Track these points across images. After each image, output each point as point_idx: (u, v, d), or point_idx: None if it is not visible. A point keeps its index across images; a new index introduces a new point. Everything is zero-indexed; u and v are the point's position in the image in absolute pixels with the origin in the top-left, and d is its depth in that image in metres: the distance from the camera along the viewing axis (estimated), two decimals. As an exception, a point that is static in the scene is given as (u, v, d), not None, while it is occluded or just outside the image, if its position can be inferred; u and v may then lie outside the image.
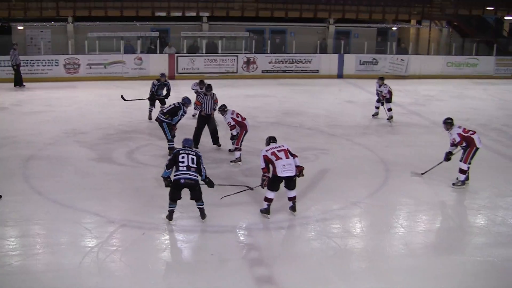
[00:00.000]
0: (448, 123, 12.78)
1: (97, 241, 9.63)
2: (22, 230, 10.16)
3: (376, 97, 19.35)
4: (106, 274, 8.69)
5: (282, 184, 10.57)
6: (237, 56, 28.44)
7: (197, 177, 10.21)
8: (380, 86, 18.97)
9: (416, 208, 11.69)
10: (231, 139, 14.35)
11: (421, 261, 9.37)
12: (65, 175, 12.98)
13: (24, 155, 14.34)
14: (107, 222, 10.36)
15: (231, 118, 13.95)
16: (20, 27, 30.51)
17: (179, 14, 31.04)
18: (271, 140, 11.09)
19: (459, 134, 12.46)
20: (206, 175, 10.49)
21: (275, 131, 16.39)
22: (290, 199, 10.78)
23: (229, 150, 14.69)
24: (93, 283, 8.37)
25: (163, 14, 30.98)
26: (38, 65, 26.98)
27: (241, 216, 10.80)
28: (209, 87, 15.85)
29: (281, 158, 10.44)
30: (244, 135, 14.04)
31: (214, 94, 15.81)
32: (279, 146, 10.76)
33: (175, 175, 10.18)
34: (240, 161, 13.88)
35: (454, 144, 12.61)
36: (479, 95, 25.43)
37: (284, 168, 10.40)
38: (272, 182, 10.57)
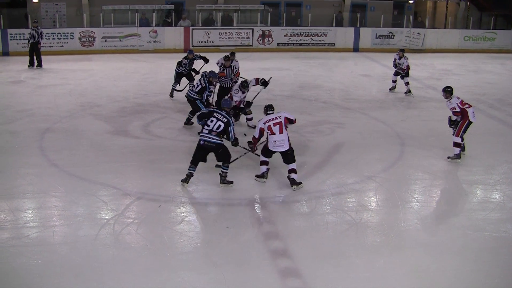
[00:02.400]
0: (448, 91, 12.71)
1: (113, 214, 9.69)
2: (39, 202, 10.23)
3: (394, 70, 19.25)
4: (122, 246, 8.74)
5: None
6: (252, 29, 28.36)
7: (218, 140, 10.58)
8: (400, 58, 18.86)
9: (431, 183, 11.67)
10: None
11: (435, 236, 9.37)
12: (81, 148, 13.03)
13: (40, 128, 14.41)
14: (123, 194, 10.41)
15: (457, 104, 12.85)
16: (35, 0, 30.50)
17: (195, -14, 30.95)
18: (269, 109, 11.14)
19: (457, 104, 12.47)
20: (234, 138, 10.84)
21: (290, 104, 16.51)
22: (289, 171, 10.87)
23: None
24: (109, 255, 8.43)
25: (178, -14, 30.90)
26: (53, 38, 27.08)
27: (257, 189, 10.81)
28: (227, 58, 16.26)
29: (274, 134, 10.68)
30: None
31: (234, 67, 16.21)
32: (276, 118, 10.85)
33: (199, 136, 10.80)
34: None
35: (455, 113, 12.57)
36: (496, 69, 25.24)
37: (275, 144, 10.70)
38: (266, 151, 10.95)
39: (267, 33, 28.37)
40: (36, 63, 23.41)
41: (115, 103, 17.13)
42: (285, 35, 28.57)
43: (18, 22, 28.63)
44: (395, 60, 19.13)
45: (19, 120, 15.14)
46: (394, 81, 19.38)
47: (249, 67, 22.71)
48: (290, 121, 10.98)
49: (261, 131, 10.86)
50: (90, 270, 7.95)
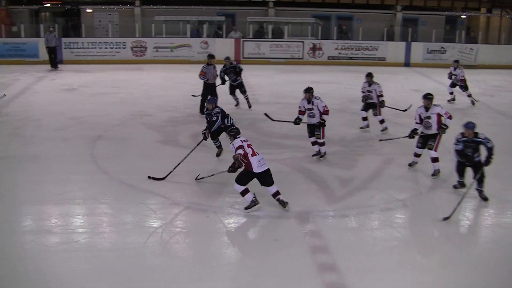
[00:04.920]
0: (429, 98, 12.25)
1: (162, 222, 9.74)
2: (89, 209, 10.34)
3: (450, 82, 19.12)
4: (170, 255, 8.78)
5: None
6: (303, 42, 28.34)
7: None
8: (455, 69, 18.72)
9: (484, 201, 11.45)
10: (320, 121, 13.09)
11: (486, 254, 9.19)
12: (131, 156, 13.15)
13: (91, 136, 14.60)
14: (171, 203, 10.46)
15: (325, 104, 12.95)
16: (89, 10, 31.11)
17: (246, -2, 31.14)
18: (238, 133, 10.60)
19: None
20: None
21: (340, 118, 16.44)
22: (274, 195, 10.28)
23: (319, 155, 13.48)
24: (157, 263, 8.47)
25: (229, -2, 31.12)
26: (106, 48, 27.53)
27: (305, 202, 10.72)
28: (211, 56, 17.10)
29: (255, 154, 10.12)
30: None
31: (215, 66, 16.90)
32: (247, 140, 10.38)
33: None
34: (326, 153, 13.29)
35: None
36: (552, 87, 24.73)
37: (260, 164, 10.08)
38: (245, 177, 10.18)
39: (317, 46, 28.32)
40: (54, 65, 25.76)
41: (165, 112, 17.26)
42: (335, 49, 28.47)
43: (72, 32, 29.15)
44: (450, 72, 19.03)
45: (71, 127, 15.36)
46: (451, 93, 19.26)
47: (299, 80, 22.79)
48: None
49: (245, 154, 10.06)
50: (137, 278, 7.99)
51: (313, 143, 13.23)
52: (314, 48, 28.26)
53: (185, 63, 26.54)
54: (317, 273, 8.30)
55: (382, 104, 15.27)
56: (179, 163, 11.89)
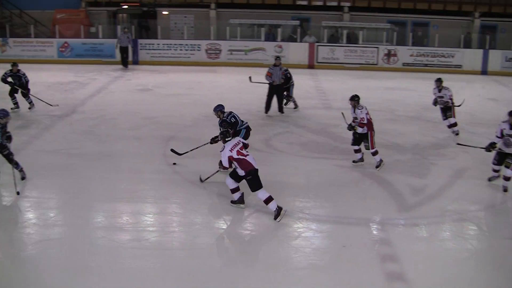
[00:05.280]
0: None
1: (231, 224, 9.78)
2: (160, 208, 10.49)
3: None
4: (237, 257, 8.80)
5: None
6: (377, 47, 28.02)
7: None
8: None
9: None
10: (353, 142, 12.93)
11: None
12: (203, 157, 13.23)
13: (164, 136, 14.80)
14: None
15: (365, 113, 12.62)
16: (165, 12, 31.53)
17: (321, 3, 31.01)
18: (228, 135, 10.67)
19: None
20: None
21: (414, 126, 16.23)
22: (266, 201, 10.11)
23: (354, 162, 13.18)
24: (225, 264, 8.55)
25: (304, 3, 31.04)
26: (181, 49, 27.85)
27: (376, 210, 10.61)
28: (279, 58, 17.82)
29: (247, 155, 10.15)
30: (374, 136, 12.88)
31: (283, 67, 17.55)
32: (238, 143, 10.34)
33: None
34: (383, 161, 12.79)
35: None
36: None
37: (255, 161, 10.21)
38: (236, 175, 10.29)
39: (392, 52, 27.97)
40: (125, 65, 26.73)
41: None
42: (410, 55, 28.03)
43: (148, 33, 29.62)
44: None
45: (145, 127, 15.60)
46: None
47: (372, 86, 22.59)
48: (245, 146, 10.53)
49: (231, 159, 10.11)
50: (205, 278, 8.06)
51: (356, 151, 12.97)
52: (388, 54, 27.92)
53: (259, 67, 26.47)
54: (386, 282, 8.21)
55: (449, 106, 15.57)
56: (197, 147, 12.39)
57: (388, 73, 26.59)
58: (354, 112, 12.67)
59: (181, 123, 16.25)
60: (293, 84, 18.19)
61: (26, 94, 17.39)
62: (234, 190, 10.43)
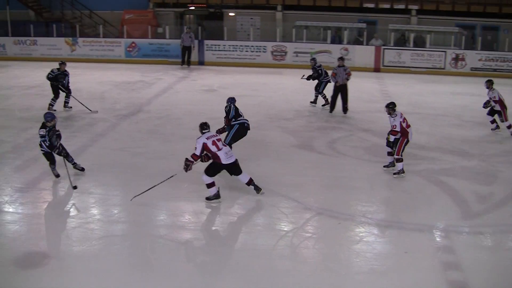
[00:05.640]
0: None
1: (293, 226, 9.77)
2: (222, 208, 10.53)
3: None
4: (299, 259, 8.78)
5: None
6: (445, 51, 27.55)
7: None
8: None
9: None
10: (387, 145, 12.57)
11: None
12: (266, 159, 13.28)
13: (228, 136, 14.88)
14: (303, 208, 10.47)
15: (400, 122, 12.14)
16: (232, 14, 31.76)
17: (388, 6, 30.77)
18: (204, 127, 10.89)
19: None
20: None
21: (480, 132, 15.91)
22: (248, 183, 10.87)
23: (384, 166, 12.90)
24: (285, 266, 8.50)
25: (371, 5, 30.85)
26: (246, 51, 27.99)
27: (440, 216, 10.44)
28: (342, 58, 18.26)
29: (220, 149, 10.48)
30: (406, 144, 12.31)
31: (347, 68, 17.80)
32: (216, 135, 10.81)
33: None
34: (403, 172, 12.24)
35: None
36: None
37: (227, 156, 10.51)
38: (213, 169, 10.60)
39: (460, 57, 27.48)
40: (187, 62, 27.47)
41: (303, 117, 17.33)
42: (479, 60, 27.46)
43: (214, 34, 29.87)
44: None
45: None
46: None
47: (439, 90, 22.29)
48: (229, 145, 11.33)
49: (205, 146, 10.49)
50: (265, 279, 8.06)
51: (389, 153, 12.67)
52: (456, 59, 27.44)
53: (325, 69, 26.49)
54: (449, 290, 8.08)
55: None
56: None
57: (456, 78, 26.13)
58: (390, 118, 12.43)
59: (245, 124, 16.30)
60: (326, 81, 18.78)
61: (67, 95, 17.63)
62: (210, 185, 10.65)
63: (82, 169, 11.91)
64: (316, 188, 11.66)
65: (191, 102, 19.22)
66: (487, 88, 16.00)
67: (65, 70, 17.42)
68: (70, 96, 17.58)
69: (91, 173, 11.82)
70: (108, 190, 11.24)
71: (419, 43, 28.82)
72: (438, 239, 9.68)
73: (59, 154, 11.42)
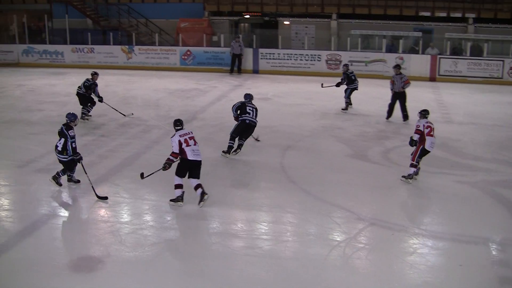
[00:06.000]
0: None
1: (345, 236, 9.69)
2: (275, 217, 10.53)
3: None
4: (351, 270, 8.70)
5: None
6: (503, 60, 27.06)
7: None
8: None
9: None
10: (410, 144, 12.56)
11: None
12: (319, 168, 13.24)
13: (282, 145, 14.90)
14: (356, 218, 10.38)
15: (423, 125, 12.28)
16: (286, 22, 31.78)
17: (444, 14, 30.36)
18: (177, 124, 11.19)
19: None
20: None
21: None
22: (195, 188, 10.89)
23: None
24: (337, 276, 8.44)
25: (427, 14, 30.52)
26: (301, 59, 27.98)
27: (496, 228, 10.22)
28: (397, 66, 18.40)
29: (190, 145, 10.83)
30: (421, 152, 12.36)
31: (404, 76, 17.95)
32: (189, 133, 11.04)
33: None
34: (411, 178, 12.37)
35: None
36: None
37: (194, 153, 10.85)
38: (180, 167, 10.92)
39: (519, 66, 26.99)
40: (237, 70, 28.20)
41: (357, 127, 17.21)
42: (539, 69, 26.96)
43: (269, 43, 29.93)
44: None
45: (263, 136, 15.72)
46: None
47: (497, 100, 21.91)
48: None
49: (180, 143, 10.80)
50: (317, 289, 8.03)
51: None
52: (515, 68, 26.96)
53: (379, 78, 26.28)
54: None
55: None
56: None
57: (514, 87, 25.68)
58: None
59: (299, 132, 16.30)
60: (353, 88, 19.52)
61: (91, 105, 17.82)
62: (176, 187, 10.91)
63: (78, 181, 11.82)
64: (370, 198, 11.55)
65: (245, 110, 19.26)
66: None
67: (96, 81, 17.63)
68: (102, 103, 17.75)
69: (145, 180, 11.93)
70: (162, 196, 11.32)
71: (476, 52, 28.34)
72: (494, 253, 9.49)
73: (78, 160, 11.35)
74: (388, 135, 16.24)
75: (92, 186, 11.13)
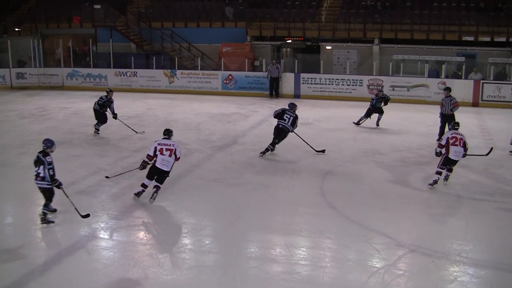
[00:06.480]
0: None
1: (385, 263, 9.60)
2: (314, 242, 10.48)
3: None
4: (390, 297, 8.63)
5: None
6: (548, 86, 26.73)
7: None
8: None
9: None
10: (436, 155, 13.96)
11: None
12: (359, 193, 13.16)
13: (322, 170, 14.86)
14: (396, 245, 10.27)
15: (448, 137, 13.51)
16: (328, 47, 31.83)
17: (488, 39, 30.09)
18: (165, 133, 12.63)
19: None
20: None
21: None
22: (154, 187, 12.20)
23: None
24: (377, 304, 8.38)
25: (470, 38, 30.26)
26: (342, 84, 27.96)
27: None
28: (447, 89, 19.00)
29: (164, 155, 12.09)
30: (445, 161, 13.51)
31: (453, 98, 18.46)
32: (170, 145, 12.27)
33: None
34: (435, 184, 13.54)
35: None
36: None
37: (162, 162, 12.08)
38: (150, 170, 12.25)
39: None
40: (275, 94, 28.54)
41: (398, 152, 17.09)
42: None
43: (311, 67, 30.00)
44: None
45: (304, 160, 15.74)
46: None
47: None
48: (176, 156, 12.29)
49: (155, 149, 12.13)
50: (356, 317, 7.95)
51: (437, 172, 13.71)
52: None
53: (421, 103, 26.13)
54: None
55: None
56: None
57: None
58: None
59: (340, 158, 16.24)
60: (380, 109, 21.15)
61: (104, 121, 18.99)
62: (142, 185, 12.36)
63: (55, 210, 11.44)
64: (410, 224, 11.45)
65: (286, 135, 19.28)
66: None
67: (111, 98, 18.72)
68: (116, 120, 18.90)
69: (185, 203, 11.98)
70: (201, 220, 11.37)
71: (520, 76, 28.03)
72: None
73: (58, 186, 10.99)
74: (430, 161, 16.04)
75: (75, 207, 11.04)
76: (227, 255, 9.91)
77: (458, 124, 13.80)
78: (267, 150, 16.22)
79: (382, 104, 20.97)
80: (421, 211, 12.17)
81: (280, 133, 16.26)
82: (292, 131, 16.49)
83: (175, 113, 23.17)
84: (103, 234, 10.75)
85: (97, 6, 34.20)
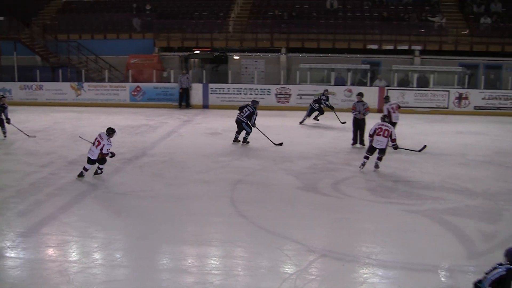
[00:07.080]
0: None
1: (296, 269, 9.68)
2: (226, 251, 10.48)
3: None
4: (302, 302, 8.71)
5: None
6: (448, 91, 27.69)
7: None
8: None
9: None
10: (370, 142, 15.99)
11: None
12: (270, 201, 13.25)
13: (232, 179, 14.88)
14: (307, 250, 10.38)
15: (375, 128, 15.73)
16: (236, 57, 32.01)
17: (391, 47, 30.95)
18: (107, 131, 14.89)
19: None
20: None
21: (485, 170, 15.88)
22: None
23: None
24: (289, 310, 8.44)
25: (374, 47, 31.05)
26: (251, 93, 28.11)
27: (444, 256, 10.32)
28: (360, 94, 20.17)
29: (93, 145, 14.64)
30: (369, 147, 15.94)
31: (365, 103, 19.57)
32: (100, 137, 14.64)
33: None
34: (363, 166, 15.65)
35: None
36: None
37: (89, 151, 14.79)
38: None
39: (463, 96, 27.56)
40: (185, 104, 28.82)
41: (306, 159, 17.30)
42: (482, 98, 27.53)
43: (218, 77, 30.11)
44: None
45: (214, 170, 15.73)
46: None
47: (443, 130, 22.32)
48: (102, 151, 14.62)
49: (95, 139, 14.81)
50: (269, 324, 7.98)
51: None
52: (460, 98, 27.53)
53: (328, 111, 26.51)
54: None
55: None
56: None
57: (459, 117, 26.25)
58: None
59: (250, 167, 16.32)
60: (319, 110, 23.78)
61: (2, 124, 19.71)
62: (83, 168, 14.84)
63: None
64: (320, 230, 11.60)
65: (196, 146, 19.25)
66: None
67: (4, 103, 19.42)
68: (9, 125, 19.75)
69: (94, 217, 11.78)
70: (111, 234, 11.19)
71: (423, 83, 28.91)
72: (443, 279, 9.57)
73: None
74: (338, 167, 16.36)
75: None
76: (138, 269, 9.77)
77: (387, 117, 15.82)
78: (235, 138, 19.72)
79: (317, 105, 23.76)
80: (331, 216, 12.35)
81: (237, 124, 19.43)
82: (247, 123, 19.21)
83: (82, 127, 22.75)
84: (10, 253, 10.42)
85: (0, 18, 33.26)
